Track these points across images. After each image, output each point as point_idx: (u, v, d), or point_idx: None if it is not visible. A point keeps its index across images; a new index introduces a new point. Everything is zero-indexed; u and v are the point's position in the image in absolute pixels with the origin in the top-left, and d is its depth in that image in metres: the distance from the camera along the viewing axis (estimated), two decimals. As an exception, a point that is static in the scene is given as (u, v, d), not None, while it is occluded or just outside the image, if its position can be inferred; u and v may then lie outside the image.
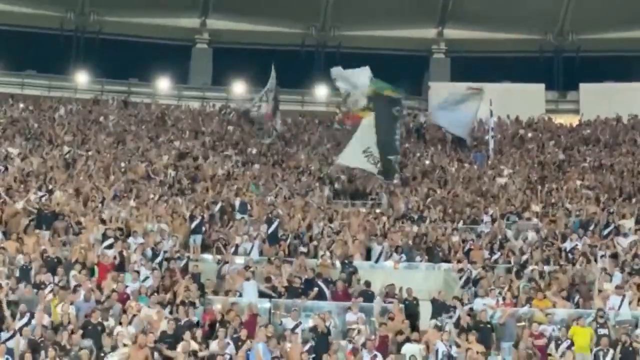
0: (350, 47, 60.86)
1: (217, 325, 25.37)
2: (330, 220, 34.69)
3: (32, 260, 27.90)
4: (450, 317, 26.85)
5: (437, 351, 24.62)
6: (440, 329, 25.64)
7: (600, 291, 28.19)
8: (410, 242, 32.80)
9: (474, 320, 26.34)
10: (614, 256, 31.30)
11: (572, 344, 25.15)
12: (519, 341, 25.67)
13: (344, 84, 43.29)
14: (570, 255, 31.86)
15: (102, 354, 23.05)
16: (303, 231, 33.14)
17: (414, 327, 26.55)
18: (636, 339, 25.21)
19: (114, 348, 23.38)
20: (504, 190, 39.71)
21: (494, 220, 35.26)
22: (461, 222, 35.45)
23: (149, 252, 29.63)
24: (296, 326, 25.93)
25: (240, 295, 27.79)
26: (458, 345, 24.86)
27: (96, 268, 28.20)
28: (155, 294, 26.66)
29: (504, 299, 27.96)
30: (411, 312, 27.36)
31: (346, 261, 30.60)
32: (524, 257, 31.36)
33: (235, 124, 50.55)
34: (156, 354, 23.55)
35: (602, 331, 25.69)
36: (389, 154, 38.19)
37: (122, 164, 39.74)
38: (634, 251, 31.47)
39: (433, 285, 29.88)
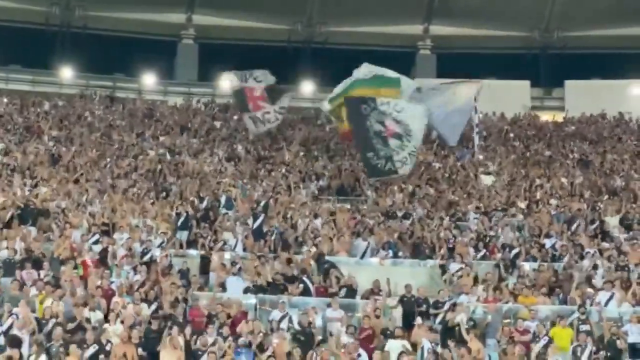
0: (336, 43, 60.91)
1: (205, 320, 25.35)
2: (316, 217, 34.70)
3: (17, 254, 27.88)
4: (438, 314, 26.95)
5: (422, 348, 24.64)
6: (427, 327, 25.68)
7: (579, 288, 28.31)
8: (396, 239, 32.83)
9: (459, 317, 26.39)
10: (600, 253, 31.43)
11: (551, 340, 25.19)
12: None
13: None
14: (553, 252, 31.99)
15: (85, 346, 22.94)
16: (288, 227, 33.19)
17: (411, 325, 26.50)
18: (622, 336, 25.27)
19: (99, 344, 23.30)
20: (489, 186, 39.78)
21: (479, 217, 35.33)
22: (447, 218, 35.49)
23: (135, 248, 29.58)
24: (282, 318, 25.94)
25: (225, 291, 27.80)
26: (445, 344, 24.87)
27: (82, 264, 28.14)
28: (141, 289, 26.63)
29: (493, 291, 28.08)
30: (408, 309, 27.34)
31: (321, 257, 30.56)
32: (513, 253, 31.39)
33: (222, 119, 50.47)
34: (141, 350, 23.52)
35: (583, 327, 25.76)
36: (366, 151, 37.73)
37: (108, 160, 39.65)
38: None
39: (418, 281, 29.92)
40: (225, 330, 24.55)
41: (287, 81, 57.83)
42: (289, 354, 23.60)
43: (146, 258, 29.18)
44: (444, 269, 30.55)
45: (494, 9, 58.96)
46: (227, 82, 46.09)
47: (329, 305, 27.17)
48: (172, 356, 23.10)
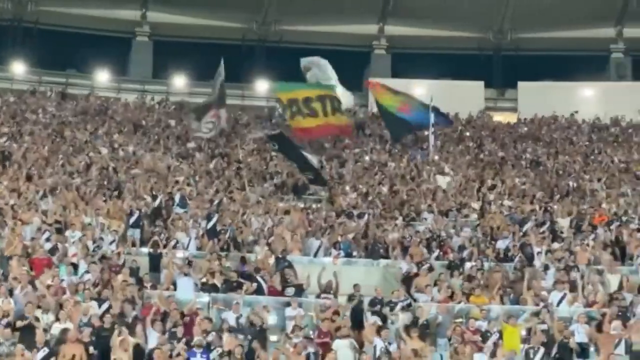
0: (291, 42, 60.93)
1: (156, 319, 25.18)
2: (269, 215, 34.64)
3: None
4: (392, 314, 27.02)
5: (374, 347, 24.68)
6: (380, 326, 25.73)
7: (530, 288, 28.52)
8: (350, 238, 32.87)
9: (413, 317, 26.50)
10: (550, 253, 31.68)
11: (500, 338, 25.36)
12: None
13: (317, 71, 43.55)
14: (505, 253, 32.19)
15: (36, 349, 22.71)
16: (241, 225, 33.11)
17: (360, 324, 26.54)
18: (570, 336, 25.49)
19: (48, 343, 23.08)
20: (449, 186, 39.96)
21: (433, 217, 35.47)
22: (400, 218, 35.59)
23: (87, 246, 29.35)
24: (237, 318, 25.90)
25: (176, 290, 27.70)
26: (404, 342, 24.95)
27: (32, 262, 27.87)
28: (93, 288, 26.43)
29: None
30: (356, 308, 27.39)
31: (280, 256, 30.56)
32: (463, 254, 31.57)
33: (176, 117, 50.27)
34: (92, 349, 23.34)
35: (542, 327, 25.93)
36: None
37: (60, 157, 39.33)
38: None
39: (372, 281, 29.97)
40: (179, 330, 24.44)
41: (241, 79, 57.97)
42: (239, 353, 23.53)
43: (98, 256, 28.94)
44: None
45: (448, 10, 59.28)
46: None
47: (288, 304, 27.15)
48: (122, 357, 22.95)
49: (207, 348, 23.67)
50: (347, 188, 39.06)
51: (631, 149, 48.58)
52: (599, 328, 26.01)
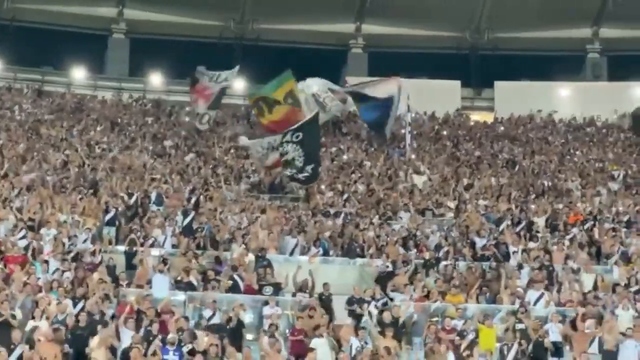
0: (268, 41, 60.90)
1: (129, 317, 25.10)
2: (246, 213, 34.61)
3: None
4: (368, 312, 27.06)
5: (351, 346, 24.71)
6: (355, 325, 25.76)
7: (507, 287, 28.63)
8: (327, 237, 32.89)
9: (389, 316, 26.52)
10: (526, 252, 31.81)
11: (477, 337, 25.44)
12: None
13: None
14: (481, 252, 32.29)
15: (13, 347, 22.60)
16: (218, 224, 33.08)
17: (331, 322, 26.61)
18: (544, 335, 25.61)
19: (23, 341, 22.97)
20: (425, 185, 40.03)
21: (410, 216, 35.54)
22: (377, 217, 35.64)
23: (62, 244, 29.24)
24: (212, 315, 25.87)
25: (152, 288, 27.63)
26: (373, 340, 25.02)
27: (5, 259, 27.74)
28: (68, 286, 26.34)
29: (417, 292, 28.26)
30: (325, 307, 27.42)
31: (260, 254, 30.55)
32: (440, 253, 31.63)
33: (153, 115, 50.16)
34: (67, 347, 23.26)
35: (519, 326, 26.03)
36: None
37: (35, 154, 39.16)
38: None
39: (348, 280, 30.01)
40: (154, 328, 24.39)
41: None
42: (214, 351, 23.51)
43: (72, 254, 28.85)
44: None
45: (425, 10, 59.38)
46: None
47: (265, 302, 27.15)
48: (102, 356, 22.89)
49: (180, 345, 23.66)
50: (323, 187, 39.04)
51: (606, 149, 48.85)
52: (574, 327, 26.18)
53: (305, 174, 36.57)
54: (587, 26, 61.96)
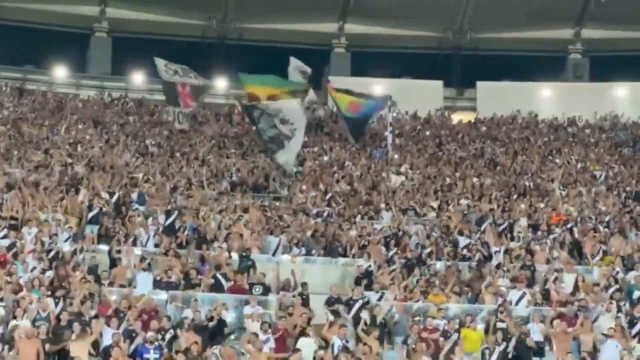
0: (251, 40, 60.85)
1: (112, 316, 25.10)
2: (227, 212, 34.57)
3: None
4: (348, 312, 27.08)
5: (333, 345, 24.74)
6: (338, 324, 25.79)
7: (492, 287, 28.70)
8: (309, 236, 32.90)
9: (370, 315, 26.57)
10: (508, 252, 31.90)
11: (459, 338, 25.51)
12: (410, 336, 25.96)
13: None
14: (464, 252, 32.35)
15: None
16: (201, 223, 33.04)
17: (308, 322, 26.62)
18: (529, 334, 25.69)
19: (7, 342, 22.92)
20: (402, 185, 40.08)
21: (391, 216, 35.58)
22: (359, 216, 35.66)
23: (44, 242, 29.16)
24: (195, 316, 25.86)
25: (135, 287, 27.59)
26: (359, 340, 25.04)
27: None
28: (49, 285, 26.28)
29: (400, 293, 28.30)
30: (305, 306, 27.40)
31: (244, 254, 30.54)
32: (423, 253, 31.67)
33: (135, 114, 50.04)
34: (48, 346, 23.22)
35: (500, 325, 26.11)
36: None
37: (17, 152, 39.02)
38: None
39: (330, 279, 30.03)
40: (136, 327, 24.37)
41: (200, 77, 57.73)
42: (196, 349, 23.52)
43: (53, 253, 28.77)
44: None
45: (408, 9, 59.43)
46: (160, 67, 45.66)
47: (247, 302, 27.14)
48: (84, 355, 22.85)
49: (160, 344, 23.67)
50: (304, 187, 39.01)
51: (587, 149, 49.01)
52: (554, 327, 26.27)
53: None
54: (569, 27, 62.19)
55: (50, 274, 27.16)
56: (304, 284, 28.28)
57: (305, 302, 27.49)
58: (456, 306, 27.99)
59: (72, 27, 59.87)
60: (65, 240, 30.17)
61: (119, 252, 29.49)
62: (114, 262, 29.34)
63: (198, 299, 26.79)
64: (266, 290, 28.35)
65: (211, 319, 25.63)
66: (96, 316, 24.93)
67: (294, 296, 27.78)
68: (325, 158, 44.70)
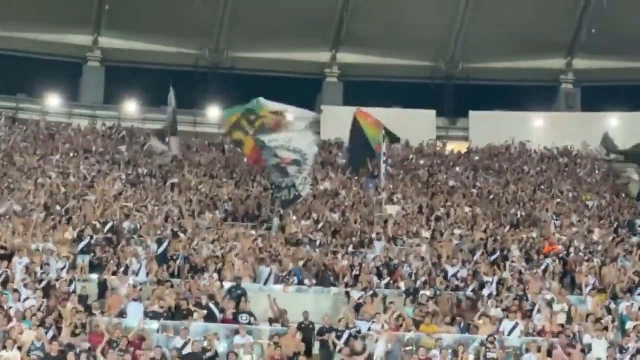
0: (243, 69, 60.90)
1: (106, 347, 24.97)
2: (220, 242, 34.48)
3: None
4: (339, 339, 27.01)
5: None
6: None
7: (486, 317, 28.62)
8: (301, 266, 32.82)
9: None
10: (500, 282, 31.83)
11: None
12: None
13: None
14: (455, 281, 32.28)
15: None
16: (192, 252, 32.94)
17: (310, 352, 26.52)
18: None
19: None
20: (394, 215, 40.01)
21: (384, 245, 35.50)
22: (351, 246, 35.59)
23: (35, 273, 29.02)
24: (185, 345, 25.73)
25: (126, 317, 27.47)
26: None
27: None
28: (40, 315, 26.13)
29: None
30: (306, 337, 27.32)
31: (235, 284, 30.44)
32: (418, 282, 31.57)
33: (127, 143, 49.97)
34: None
35: (490, 355, 26.03)
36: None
37: (9, 182, 38.92)
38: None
39: (323, 309, 29.93)
40: (126, 358, 24.24)
41: (193, 106, 57.81)
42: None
43: (44, 283, 28.63)
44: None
45: (400, 39, 59.53)
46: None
47: (237, 332, 27.02)
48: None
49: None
50: (294, 218, 38.87)
51: (580, 179, 49.06)
52: (550, 357, 26.21)
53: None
54: (561, 57, 62.38)
55: (40, 304, 26.99)
56: (304, 313, 28.22)
57: (307, 332, 27.39)
58: (449, 336, 27.89)
59: (65, 57, 59.81)
60: (62, 269, 30.02)
61: (110, 282, 29.38)
62: (104, 292, 29.20)
63: (188, 327, 26.66)
64: (254, 319, 28.25)
65: (205, 350, 25.53)
66: (90, 350, 24.80)
67: (283, 326, 27.72)
68: (321, 188, 44.53)
